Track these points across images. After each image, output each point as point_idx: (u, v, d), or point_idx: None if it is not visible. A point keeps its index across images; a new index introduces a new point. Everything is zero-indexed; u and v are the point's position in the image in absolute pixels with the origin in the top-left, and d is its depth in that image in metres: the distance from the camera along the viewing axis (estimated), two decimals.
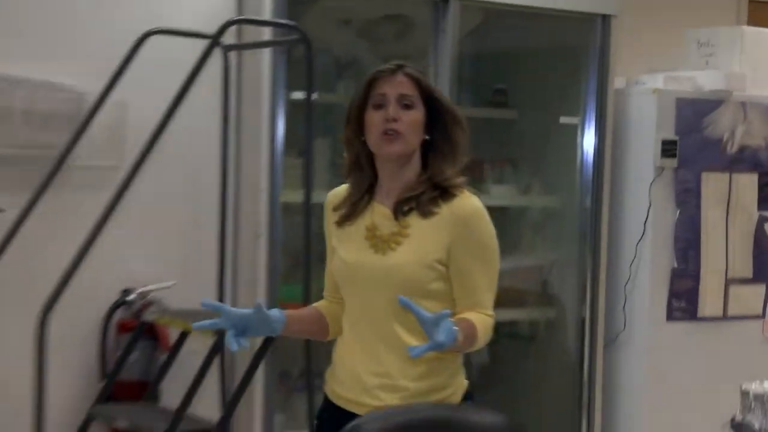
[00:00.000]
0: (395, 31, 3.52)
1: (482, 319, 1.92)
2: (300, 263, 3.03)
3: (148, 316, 2.83)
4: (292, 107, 3.07)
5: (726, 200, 3.69)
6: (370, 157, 2.00)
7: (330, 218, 2.04)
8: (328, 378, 2.06)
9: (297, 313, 2.06)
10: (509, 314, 3.65)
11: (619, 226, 3.68)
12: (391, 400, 1.93)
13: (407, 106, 1.96)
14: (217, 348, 2.59)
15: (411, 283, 1.93)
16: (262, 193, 3.04)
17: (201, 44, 2.76)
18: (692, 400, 3.48)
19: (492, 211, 2.96)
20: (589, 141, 3.64)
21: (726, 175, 3.66)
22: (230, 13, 3.06)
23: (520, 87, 3.80)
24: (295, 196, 3.02)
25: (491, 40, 3.63)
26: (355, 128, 1.99)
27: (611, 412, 3.57)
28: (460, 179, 1.99)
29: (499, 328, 3.63)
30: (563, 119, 3.79)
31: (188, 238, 3.17)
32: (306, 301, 2.59)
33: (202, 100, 2.97)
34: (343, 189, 2.05)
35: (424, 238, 1.94)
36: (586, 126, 3.65)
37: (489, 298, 1.98)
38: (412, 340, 1.90)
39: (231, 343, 1.80)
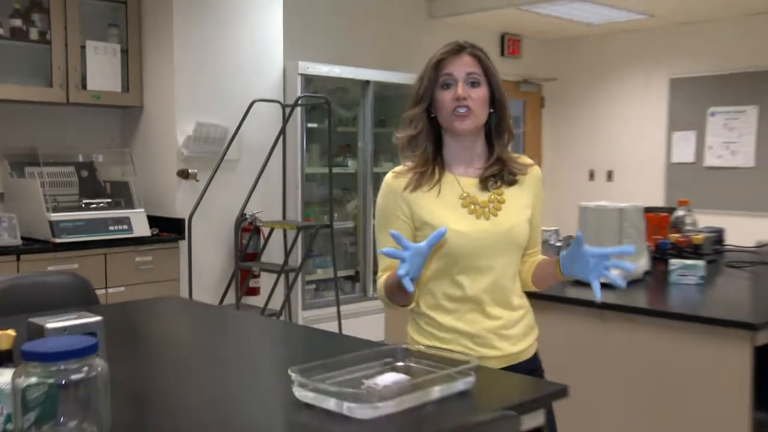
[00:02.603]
0: (342, 93, 5.77)
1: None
2: None
3: (258, 222, 5.31)
4: (309, 131, 5.49)
5: None
6: (436, 132, 1.88)
7: (398, 190, 1.87)
8: (418, 338, 1.93)
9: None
10: None
11: None
12: (505, 347, 1.88)
13: (474, 84, 1.84)
14: None
15: (522, 240, 1.90)
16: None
17: (275, 105, 5.30)
18: None
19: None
20: None
21: None
22: (280, 90, 5.37)
23: (397, 117, 5.40)
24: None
25: (382, 94, 5.73)
26: (424, 106, 1.87)
27: None
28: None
29: None
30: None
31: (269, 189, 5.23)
32: None
33: (273, 126, 5.30)
34: (400, 168, 1.91)
35: (516, 201, 1.90)
36: None
37: None
38: (515, 290, 1.91)
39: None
